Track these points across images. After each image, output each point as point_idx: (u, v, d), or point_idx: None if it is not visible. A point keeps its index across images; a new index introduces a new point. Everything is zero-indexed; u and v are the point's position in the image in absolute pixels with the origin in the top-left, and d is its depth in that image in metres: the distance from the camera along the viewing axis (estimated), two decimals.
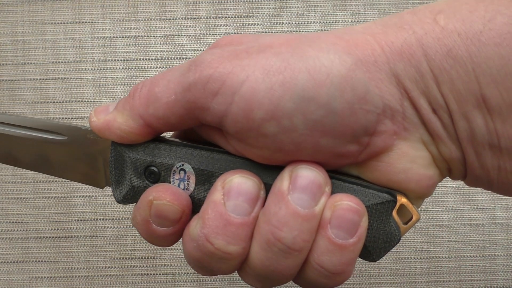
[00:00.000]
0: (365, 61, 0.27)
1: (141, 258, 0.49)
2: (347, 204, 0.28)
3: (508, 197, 0.48)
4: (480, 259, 0.48)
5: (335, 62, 0.27)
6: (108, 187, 0.32)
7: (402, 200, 0.29)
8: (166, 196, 0.29)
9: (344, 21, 0.49)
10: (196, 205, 0.30)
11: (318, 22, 0.49)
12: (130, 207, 0.49)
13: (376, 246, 0.29)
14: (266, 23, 0.49)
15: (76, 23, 0.49)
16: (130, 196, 0.31)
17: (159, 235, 0.30)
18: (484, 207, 0.49)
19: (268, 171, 0.29)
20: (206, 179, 0.30)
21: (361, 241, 0.28)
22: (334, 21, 0.49)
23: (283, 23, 0.49)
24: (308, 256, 0.28)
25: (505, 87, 0.26)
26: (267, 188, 0.29)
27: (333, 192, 0.29)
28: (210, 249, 0.28)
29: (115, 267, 0.49)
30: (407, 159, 0.28)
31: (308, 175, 0.28)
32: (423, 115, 0.27)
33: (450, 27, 0.26)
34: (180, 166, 0.30)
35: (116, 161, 0.31)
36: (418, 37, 0.27)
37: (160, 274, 0.49)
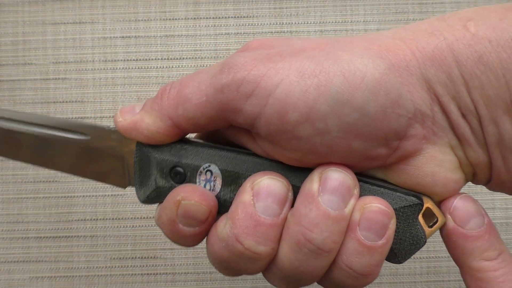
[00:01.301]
0: (397, 66, 0.27)
1: (141, 258, 0.49)
2: (377, 206, 0.28)
3: (507, 197, 0.48)
4: None
5: (369, 66, 0.27)
6: (131, 187, 0.33)
7: (428, 203, 0.29)
8: (194, 196, 0.29)
9: (344, 21, 0.49)
10: (221, 205, 0.30)
11: (318, 22, 0.49)
12: (130, 207, 0.49)
13: (402, 248, 0.29)
14: (266, 23, 0.49)
15: (77, 23, 0.49)
16: (154, 196, 0.31)
17: (185, 234, 0.30)
18: (484, 207, 0.49)
19: (294, 173, 0.30)
20: (232, 180, 0.30)
21: (389, 243, 0.29)
22: (334, 21, 0.49)
23: (283, 23, 0.49)
24: (337, 257, 0.29)
25: None
26: (295, 190, 0.29)
27: (361, 194, 0.29)
28: (240, 249, 0.29)
29: (115, 267, 0.49)
30: (435, 163, 0.29)
31: (338, 177, 0.28)
32: (452, 119, 0.28)
33: (480, 34, 0.27)
34: (206, 167, 0.30)
35: (141, 162, 0.31)
36: (449, 43, 0.27)
37: (160, 274, 0.49)
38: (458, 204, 0.30)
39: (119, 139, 0.32)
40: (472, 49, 0.27)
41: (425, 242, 0.30)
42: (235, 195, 0.30)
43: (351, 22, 0.49)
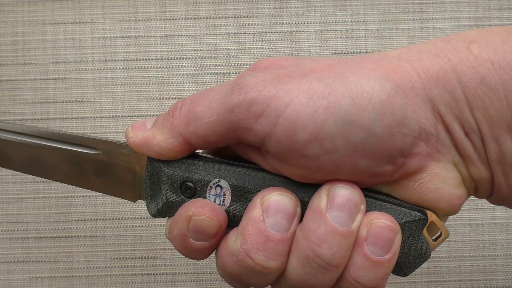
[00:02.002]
0: (403, 87, 0.28)
1: (141, 258, 0.49)
2: (383, 222, 0.29)
3: None
4: (480, 259, 0.48)
5: (376, 88, 0.28)
6: (141, 200, 0.33)
7: (432, 217, 0.30)
8: (205, 211, 0.30)
9: (344, 21, 0.49)
10: (231, 219, 0.31)
11: (318, 22, 0.49)
12: (130, 207, 0.49)
13: (407, 261, 0.30)
14: (266, 23, 0.49)
15: (76, 23, 0.49)
16: (165, 210, 0.32)
17: (195, 248, 0.31)
18: (484, 207, 0.49)
19: (302, 189, 0.30)
20: (242, 195, 0.31)
21: (395, 257, 0.29)
22: (334, 21, 0.49)
23: (283, 23, 0.49)
24: (344, 271, 0.30)
25: None
26: (302, 205, 0.30)
27: (367, 210, 0.30)
28: (251, 264, 0.29)
29: (115, 267, 0.49)
30: (439, 179, 0.29)
31: (345, 194, 0.29)
32: (455, 138, 0.29)
33: (483, 56, 0.28)
34: (216, 182, 0.31)
35: (152, 176, 0.32)
36: (453, 65, 0.28)
37: (160, 274, 0.49)
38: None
39: (130, 154, 0.32)
40: (475, 71, 0.28)
41: (430, 255, 0.30)
42: (244, 209, 0.31)
43: (351, 22, 0.49)
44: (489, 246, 0.49)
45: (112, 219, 0.49)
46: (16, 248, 0.49)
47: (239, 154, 0.32)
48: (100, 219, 0.49)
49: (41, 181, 0.49)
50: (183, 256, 0.49)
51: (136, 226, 0.49)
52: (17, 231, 0.49)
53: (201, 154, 0.32)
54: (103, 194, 0.49)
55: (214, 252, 0.32)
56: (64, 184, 0.49)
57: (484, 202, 0.49)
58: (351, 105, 0.28)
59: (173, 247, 0.48)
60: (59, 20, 0.49)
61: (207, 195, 0.31)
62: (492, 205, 0.49)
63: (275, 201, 0.29)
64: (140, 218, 0.49)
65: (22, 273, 0.49)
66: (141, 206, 0.49)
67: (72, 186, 0.49)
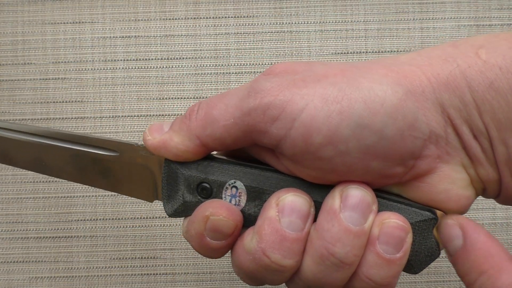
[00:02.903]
0: (414, 92, 0.29)
1: (141, 258, 0.49)
2: (395, 222, 0.30)
3: None
4: None
5: (388, 93, 0.29)
6: (157, 200, 0.34)
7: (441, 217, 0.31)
8: (222, 212, 0.31)
9: (344, 21, 0.49)
10: (246, 219, 0.32)
11: (318, 22, 0.49)
12: (130, 207, 0.49)
13: (418, 260, 0.31)
14: (266, 23, 0.49)
15: (76, 23, 0.49)
16: (182, 210, 0.33)
17: (212, 247, 0.32)
18: (484, 207, 0.49)
19: (316, 189, 0.31)
20: (257, 196, 0.32)
21: (406, 255, 0.30)
22: (334, 21, 0.49)
23: (283, 23, 0.49)
24: (357, 270, 0.31)
25: None
26: (316, 205, 0.31)
27: (379, 210, 0.31)
28: (267, 262, 0.30)
29: (115, 267, 0.49)
30: (448, 180, 0.30)
31: (357, 195, 0.30)
32: (464, 140, 0.30)
33: (492, 61, 0.29)
34: (232, 183, 0.32)
35: (169, 177, 0.33)
36: (462, 70, 0.29)
37: (160, 274, 0.49)
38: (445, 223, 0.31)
39: (148, 156, 0.33)
40: (484, 76, 0.29)
41: (439, 253, 0.31)
42: (259, 209, 0.32)
43: (351, 22, 0.49)
44: None
45: (112, 219, 0.49)
46: (16, 248, 0.49)
47: (253, 156, 0.33)
48: (100, 219, 0.49)
49: (41, 181, 0.49)
50: (183, 256, 0.49)
51: (136, 226, 0.49)
52: (17, 231, 0.49)
53: (217, 156, 0.33)
54: (103, 194, 0.49)
55: (230, 251, 0.33)
56: (64, 184, 0.49)
57: (484, 202, 0.49)
58: (364, 109, 0.29)
59: (173, 247, 0.48)
60: (59, 20, 0.49)
61: (223, 195, 0.32)
62: (492, 205, 0.49)
63: (290, 202, 0.30)
64: (140, 218, 0.49)
65: (22, 273, 0.49)
66: (141, 206, 0.49)
67: (71, 186, 0.49)
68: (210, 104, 0.31)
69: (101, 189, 0.48)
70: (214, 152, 0.33)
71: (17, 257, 0.49)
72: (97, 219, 0.49)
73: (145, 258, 0.49)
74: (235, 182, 0.32)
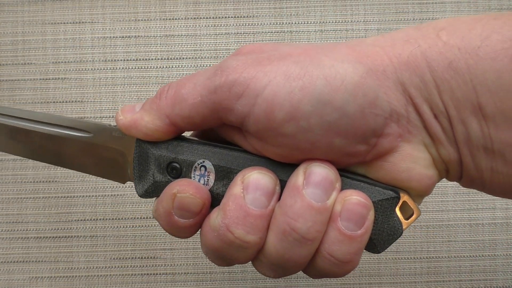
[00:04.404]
0: (375, 70, 0.30)
1: (141, 258, 0.49)
2: (356, 199, 0.31)
3: None
4: (480, 259, 0.49)
5: (349, 70, 0.29)
6: (129, 182, 0.34)
7: (404, 197, 0.31)
8: (189, 189, 0.32)
9: (344, 21, 0.49)
10: (214, 199, 0.32)
11: (318, 22, 0.49)
12: (129, 207, 0.49)
13: (380, 238, 0.31)
14: (266, 23, 0.49)
15: (76, 23, 0.49)
16: (152, 191, 0.33)
17: (180, 226, 0.32)
18: (484, 207, 0.49)
19: (282, 169, 0.32)
20: (225, 175, 0.32)
21: (368, 232, 0.31)
22: (334, 21, 0.49)
23: (283, 23, 0.49)
24: (319, 246, 0.31)
25: (499, 96, 0.29)
26: (282, 184, 0.32)
27: (342, 188, 0.31)
28: (231, 238, 0.31)
29: (115, 267, 0.49)
30: (410, 159, 0.31)
31: (321, 172, 0.31)
32: (425, 120, 0.30)
33: (451, 43, 0.30)
34: (201, 163, 0.32)
35: (140, 157, 0.33)
36: (422, 50, 0.30)
37: (160, 274, 0.49)
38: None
39: (120, 136, 0.34)
40: (443, 56, 0.29)
41: (402, 233, 0.32)
42: (227, 189, 0.32)
43: (351, 22, 0.49)
44: (489, 246, 0.49)
45: (112, 219, 0.49)
46: (16, 248, 0.49)
47: (223, 137, 0.33)
48: (100, 219, 0.49)
49: (41, 181, 0.49)
50: (183, 256, 0.49)
51: (136, 226, 0.49)
52: (17, 231, 0.49)
53: (187, 137, 0.33)
54: (103, 194, 0.49)
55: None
56: (64, 184, 0.49)
57: (484, 202, 0.49)
58: (325, 86, 0.29)
59: (173, 247, 0.48)
60: (59, 20, 0.49)
61: (192, 175, 0.32)
62: (492, 205, 0.49)
63: (255, 179, 0.31)
64: (140, 218, 0.49)
65: (22, 273, 0.49)
66: (141, 206, 0.49)
67: (71, 186, 0.49)
68: (180, 84, 0.32)
69: (100, 189, 0.48)
70: (186, 134, 0.34)
71: (17, 257, 0.49)
72: (97, 219, 0.49)
73: (145, 258, 0.49)
74: (204, 161, 0.32)
